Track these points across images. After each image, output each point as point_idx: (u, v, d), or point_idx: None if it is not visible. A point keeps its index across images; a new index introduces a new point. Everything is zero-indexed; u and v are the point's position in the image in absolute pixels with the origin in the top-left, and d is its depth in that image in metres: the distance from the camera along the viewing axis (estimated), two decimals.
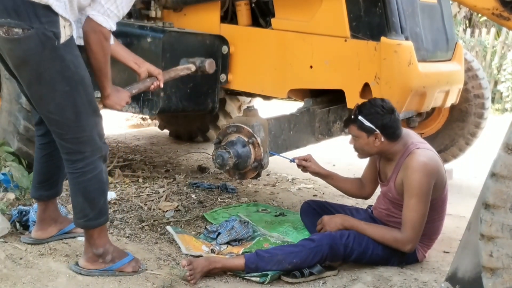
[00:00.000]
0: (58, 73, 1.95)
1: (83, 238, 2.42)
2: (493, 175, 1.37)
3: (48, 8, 1.90)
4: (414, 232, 2.33)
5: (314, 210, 2.73)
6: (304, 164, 2.67)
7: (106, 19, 2.04)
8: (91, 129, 2.04)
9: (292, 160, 2.68)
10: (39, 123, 2.28)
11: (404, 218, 2.34)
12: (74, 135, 2.02)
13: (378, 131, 2.36)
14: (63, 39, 1.94)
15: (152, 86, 2.48)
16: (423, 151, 2.36)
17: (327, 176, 2.72)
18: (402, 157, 2.40)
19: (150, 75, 2.46)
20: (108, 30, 2.07)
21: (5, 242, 2.33)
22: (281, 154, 2.70)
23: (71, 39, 1.99)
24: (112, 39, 2.22)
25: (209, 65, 2.89)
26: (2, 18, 1.87)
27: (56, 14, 1.92)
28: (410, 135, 2.49)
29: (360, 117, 2.38)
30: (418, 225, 2.33)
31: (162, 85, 2.51)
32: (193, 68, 2.84)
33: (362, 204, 3.24)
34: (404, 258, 2.45)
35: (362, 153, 2.49)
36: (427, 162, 2.31)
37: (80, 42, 2.08)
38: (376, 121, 2.36)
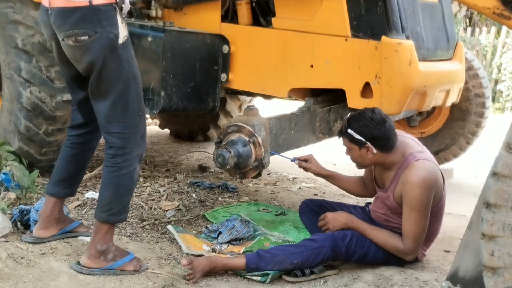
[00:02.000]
0: (116, 72, 2.09)
1: (84, 238, 2.43)
2: (494, 174, 1.37)
3: (108, 12, 2.04)
4: (415, 244, 2.34)
5: (312, 210, 2.72)
6: (305, 166, 2.67)
7: None
8: (135, 126, 2.15)
9: (292, 160, 2.68)
10: (77, 126, 2.36)
11: (405, 231, 2.34)
12: (120, 130, 2.12)
13: (368, 143, 2.33)
14: (121, 39, 2.08)
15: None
16: (421, 164, 2.31)
17: (329, 177, 2.72)
18: (400, 169, 2.36)
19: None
20: None
21: (6, 241, 2.33)
22: (281, 154, 2.70)
23: (127, 39, 2.12)
24: None
25: None
26: (70, 30, 2.04)
27: (114, 16, 2.06)
28: (408, 143, 2.42)
29: (349, 130, 2.36)
30: (420, 237, 2.34)
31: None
32: None
33: (362, 203, 3.23)
34: (404, 260, 2.44)
35: (358, 165, 2.49)
36: (426, 177, 2.27)
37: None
38: (366, 133, 2.32)
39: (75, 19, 2.03)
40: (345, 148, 2.47)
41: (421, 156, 2.36)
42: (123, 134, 2.13)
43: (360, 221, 2.44)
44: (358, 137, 2.34)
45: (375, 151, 2.35)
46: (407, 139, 2.47)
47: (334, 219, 2.44)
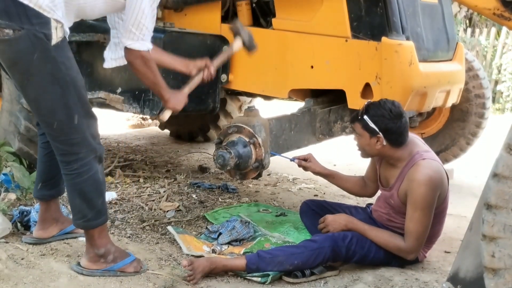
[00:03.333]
0: (49, 74, 1.96)
1: (84, 238, 2.42)
2: (495, 175, 1.37)
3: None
4: (418, 243, 2.34)
5: (313, 211, 2.72)
6: (304, 165, 2.66)
7: (142, 43, 2.14)
8: (84, 130, 2.05)
9: (292, 160, 2.68)
10: None
11: (408, 229, 2.33)
12: (67, 136, 2.03)
13: (380, 134, 2.32)
14: (54, 40, 1.94)
15: (205, 77, 2.52)
16: (428, 163, 2.31)
17: (329, 176, 2.71)
18: (406, 167, 2.35)
19: (199, 70, 2.52)
20: (147, 52, 2.17)
21: (7, 242, 2.33)
22: (282, 154, 2.69)
23: (63, 40, 2.00)
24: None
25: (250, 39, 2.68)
26: None
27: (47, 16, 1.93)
28: (416, 142, 2.42)
29: (365, 117, 2.33)
30: (422, 237, 2.34)
31: (213, 72, 2.53)
32: (239, 43, 2.63)
33: (363, 203, 3.24)
34: (405, 261, 2.44)
35: (363, 153, 2.47)
36: (432, 176, 2.27)
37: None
38: (381, 124, 2.31)
39: (2, 6, 1.86)
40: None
41: (428, 155, 2.36)
42: (71, 140, 2.03)
43: (360, 222, 2.44)
44: (372, 125, 2.32)
45: (385, 143, 2.34)
46: (415, 139, 2.47)
47: (334, 221, 2.44)
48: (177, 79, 3.03)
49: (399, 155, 2.38)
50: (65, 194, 2.77)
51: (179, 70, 2.52)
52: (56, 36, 1.95)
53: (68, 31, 2.06)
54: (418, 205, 2.28)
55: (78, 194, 2.10)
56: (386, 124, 2.31)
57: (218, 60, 2.63)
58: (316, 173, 2.70)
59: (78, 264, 2.19)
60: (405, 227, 2.35)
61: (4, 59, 1.98)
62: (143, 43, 2.14)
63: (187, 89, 2.49)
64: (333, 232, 2.42)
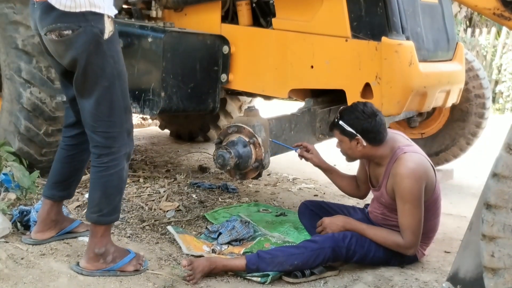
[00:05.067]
0: (100, 68, 2.04)
1: (84, 238, 2.42)
2: (494, 175, 1.37)
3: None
4: (414, 236, 2.35)
5: (311, 211, 2.72)
6: (306, 155, 2.66)
7: None
8: (122, 124, 2.11)
9: (294, 149, 2.67)
10: (71, 125, 2.33)
11: (402, 224, 2.35)
12: (105, 129, 2.09)
13: (359, 136, 2.37)
14: (107, 34, 2.03)
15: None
16: (409, 156, 2.34)
17: (327, 170, 2.71)
18: (390, 163, 2.40)
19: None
20: None
21: (6, 242, 2.33)
22: (282, 144, 2.68)
23: (113, 34, 2.07)
24: None
25: None
26: (52, 24, 1.99)
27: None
28: (396, 138, 2.46)
29: (341, 122, 2.40)
30: (417, 230, 2.34)
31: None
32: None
33: (362, 204, 3.23)
34: (404, 259, 2.45)
35: (348, 157, 2.51)
36: (415, 168, 2.30)
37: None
38: (357, 125, 2.36)
39: (58, 12, 1.97)
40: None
41: (409, 149, 2.39)
42: (108, 133, 2.09)
43: (357, 222, 2.45)
44: (349, 129, 2.38)
45: (365, 143, 2.39)
46: (396, 135, 2.51)
47: (332, 223, 2.45)
48: (177, 79, 3.05)
49: (381, 153, 2.42)
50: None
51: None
52: (108, 30, 2.03)
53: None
54: (406, 198, 2.30)
55: (101, 188, 2.13)
56: (361, 125, 2.36)
57: None
58: (316, 165, 2.69)
59: (77, 264, 2.19)
60: (399, 223, 2.36)
61: (67, 58, 2.05)
62: None
63: None
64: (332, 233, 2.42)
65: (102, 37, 2.01)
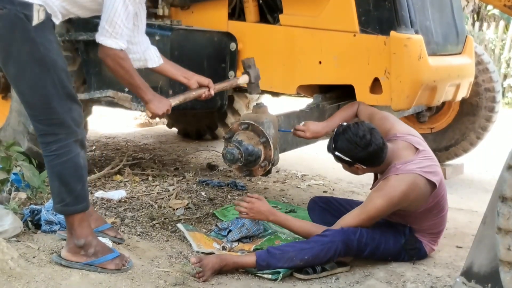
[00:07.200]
0: (28, 54, 2.01)
1: (101, 239, 2.37)
2: (510, 167, 1.35)
3: None
4: (340, 228, 2.34)
5: (321, 208, 2.72)
6: (301, 135, 2.66)
7: (115, 40, 2.14)
8: (63, 112, 2.06)
9: (289, 131, 2.66)
10: None
11: (343, 219, 2.37)
12: (45, 116, 2.06)
13: (357, 163, 2.39)
14: (35, 21, 1.99)
15: (204, 95, 2.55)
16: (396, 180, 2.31)
17: (327, 134, 2.71)
18: (382, 177, 2.42)
19: (201, 85, 2.54)
20: (119, 50, 2.17)
21: (18, 241, 2.34)
22: (283, 129, 2.68)
23: (44, 22, 2.02)
24: (160, 58, 2.43)
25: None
26: None
27: None
28: (396, 153, 2.39)
29: (337, 153, 2.40)
30: (347, 228, 2.34)
31: (213, 93, 2.57)
32: (246, 79, 2.71)
33: None
34: (413, 251, 2.44)
35: (352, 174, 2.54)
36: (393, 195, 2.29)
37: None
38: (353, 155, 2.36)
39: None
40: None
41: (404, 169, 2.33)
42: (52, 120, 2.05)
43: (282, 214, 2.51)
44: (346, 158, 2.39)
45: (364, 167, 2.41)
46: (400, 143, 2.44)
47: (258, 212, 2.44)
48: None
49: (382, 169, 2.44)
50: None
51: (180, 81, 2.54)
52: (37, 17, 1.99)
53: (57, 16, 2.10)
54: (367, 212, 2.33)
55: (57, 177, 2.10)
56: (357, 155, 2.36)
57: (221, 85, 2.66)
58: (314, 138, 2.69)
59: (59, 255, 2.17)
60: (342, 216, 2.39)
61: None
62: (115, 41, 2.14)
63: (176, 100, 2.47)
64: (251, 218, 2.50)
65: (29, 23, 1.97)
